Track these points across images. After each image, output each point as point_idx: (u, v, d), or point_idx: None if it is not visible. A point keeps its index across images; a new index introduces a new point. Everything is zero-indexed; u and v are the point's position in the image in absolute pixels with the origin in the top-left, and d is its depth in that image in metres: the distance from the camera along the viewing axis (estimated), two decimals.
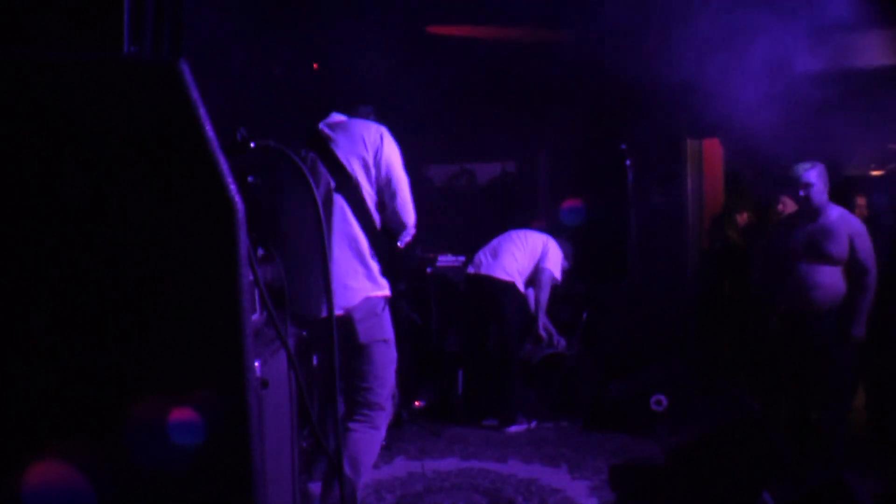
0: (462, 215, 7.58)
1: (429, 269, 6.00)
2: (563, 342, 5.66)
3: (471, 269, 5.54)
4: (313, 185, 1.84)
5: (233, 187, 1.11)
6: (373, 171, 3.03)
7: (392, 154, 3.05)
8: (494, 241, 5.62)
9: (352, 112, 3.23)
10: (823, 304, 4.17)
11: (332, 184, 3.00)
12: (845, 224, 4.16)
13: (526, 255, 5.49)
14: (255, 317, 2.29)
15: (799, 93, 4.48)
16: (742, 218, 5.65)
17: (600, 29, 4.52)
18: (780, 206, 5.01)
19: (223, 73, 4.18)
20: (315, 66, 5.63)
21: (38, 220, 1.08)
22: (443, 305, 6.01)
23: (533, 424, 5.30)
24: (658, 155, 6.43)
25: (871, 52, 5.45)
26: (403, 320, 5.04)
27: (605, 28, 4.52)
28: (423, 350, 5.80)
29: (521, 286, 5.47)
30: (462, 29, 5.81)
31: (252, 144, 1.75)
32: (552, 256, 5.51)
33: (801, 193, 4.19)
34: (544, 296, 5.49)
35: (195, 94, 1.11)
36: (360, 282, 3.02)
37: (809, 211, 4.23)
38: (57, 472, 1.08)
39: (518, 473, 4.31)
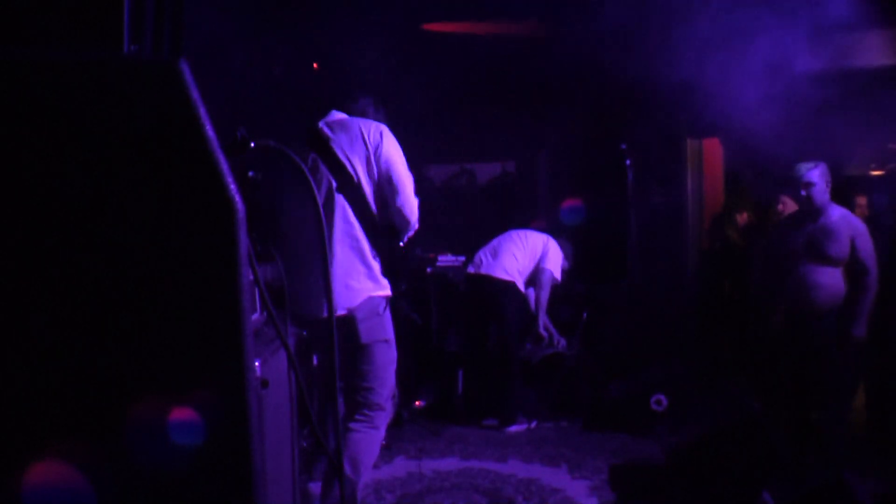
0: (462, 215, 7.58)
1: (429, 269, 6.00)
2: (563, 342, 5.66)
3: (471, 269, 5.54)
4: (314, 185, 1.84)
5: (233, 187, 1.11)
6: (374, 169, 3.02)
7: (392, 151, 3.04)
8: (494, 241, 5.62)
9: (352, 103, 3.22)
10: (824, 305, 4.17)
11: (334, 184, 3.00)
12: (846, 224, 4.15)
13: (526, 255, 5.49)
14: (255, 317, 2.29)
15: (799, 93, 4.47)
16: (742, 218, 5.65)
17: (600, 28, 4.52)
18: (780, 206, 5.01)
19: (223, 73, 4.18)
20: (315, 65, 5.64)
21: (38, 219, 1.08)
22: (443, 305, 6.01)
23: (533, 424, 5.30)
24: (658, 155, 6.42)
25: (871, 52, 5.45)
26: (403, 320, 5.04)
27: (606, 28, 4.51)
28: (423, 350, 5.80)
29: (521, 286, 5.47)
30: (461, 25, 5.81)
31: (252, 144, 1.75)
32: (552, 256, 5.51)
33: (803, 193, 4.17)
34: (545, 295, 5.49)
35: (195, 94, 1.11)
36: (362, 282, 3.02)
37: (810, 211, 4.22)
38: (57, 472, 1.08)
39: (518, 473, 4.31)
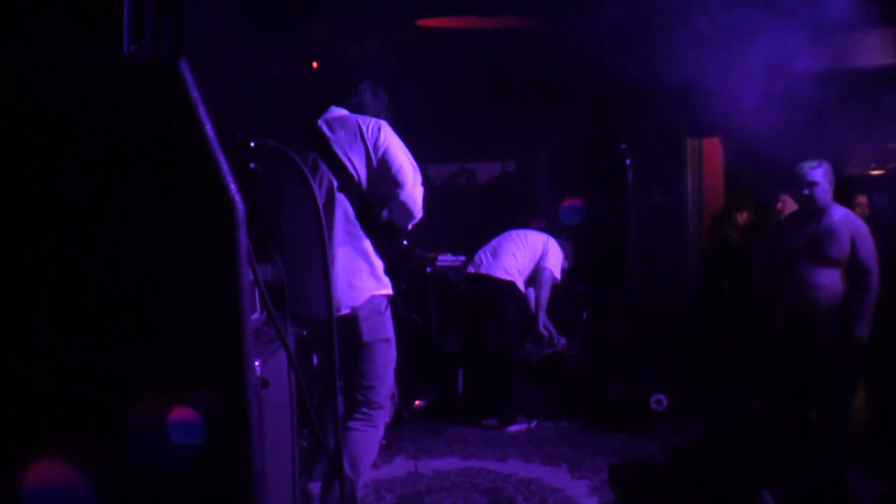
0: (462, 215, 7.57)
1: (429, 269, 6.00)
2: (563, 341, 5.66)
3: (471, 269, 5.54)
4: (314, 184, 1.84)
5: (233, 187, 1.11)
6: (374, 165, 3.00)
7: (392, 145, 3.00)
8: (495, 241, 5.62)
9: (350, 97, 3.20)
10: (824, 305, 4.16)
11: (335, 183, 2.99)
12: (848, 225, 4.13)
13: (526, 255, 5.49)
14: (255, 316, 2.29)
15: (799, 93, 4.47)
16: (742, 218, 5.65)
17: (600, 28, 4.52)
18: (779, 206, 5.01)
19: (223, 73, 4.18)
20: (315, 65, 5.64)
21: (38, 220, 1.08)
22: (443, 305, 6.01)
23: (533, 424, 5.30)
24: (658, 155, 6.42)
25: (871, 52, 5.46)
26: (403, 320, 5.04)
27: (606, 27, 4.52)
28: (423, 350, 5.80)
29: (521, 286, 5.47)
30: (460, 21, 5.81)
31: (252, 144, 1.75)
32: (552, 256, 5.51)
33: (805, 192, 4.13)
34: (545, 295, 5.49)
35: (195, 94, 1.11)
36: (365, 280, 3.01)
37: (812, 210, 4.19)
38: (57, 472, 1.08)
39: (518, 473, 4.31)
